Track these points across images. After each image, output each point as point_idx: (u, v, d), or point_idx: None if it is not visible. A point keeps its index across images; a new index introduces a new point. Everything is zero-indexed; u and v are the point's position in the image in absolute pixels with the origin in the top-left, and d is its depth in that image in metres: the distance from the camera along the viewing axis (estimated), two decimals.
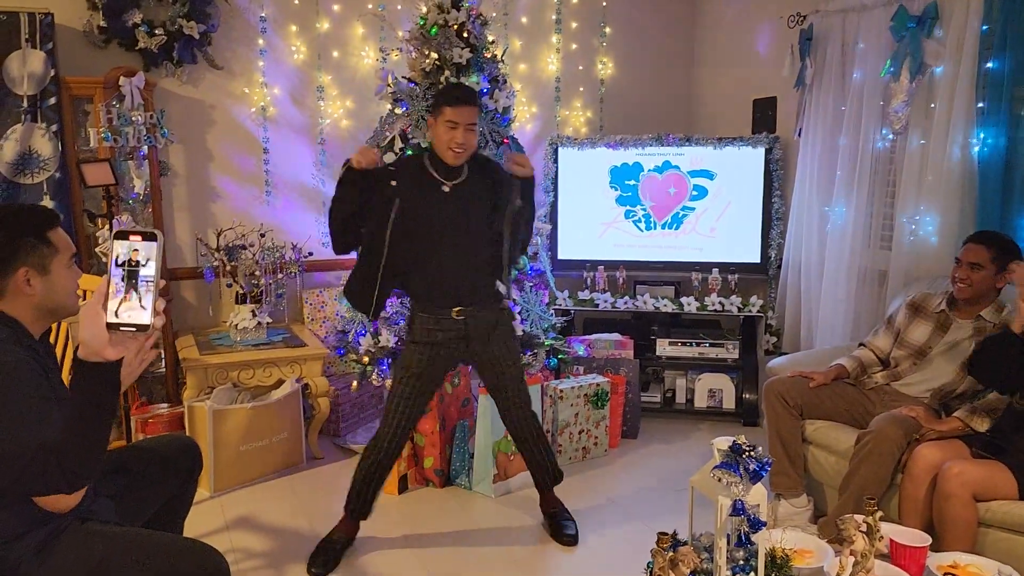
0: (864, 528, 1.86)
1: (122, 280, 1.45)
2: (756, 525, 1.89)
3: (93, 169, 3.42)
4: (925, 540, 2.05)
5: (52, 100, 3.61)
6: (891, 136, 3.80)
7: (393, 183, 2.81)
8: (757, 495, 1.91)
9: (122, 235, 1.47)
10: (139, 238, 1.46)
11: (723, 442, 1.98)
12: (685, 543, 1.94)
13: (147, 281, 1.46)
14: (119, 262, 1.45)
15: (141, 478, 2.25)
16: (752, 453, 1.92)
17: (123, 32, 3.91)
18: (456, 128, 2.78)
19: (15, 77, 3.53)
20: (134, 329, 1.47)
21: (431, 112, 2.88)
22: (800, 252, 4.38)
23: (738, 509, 1.88)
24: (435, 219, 2.84)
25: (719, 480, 1.92)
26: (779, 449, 3.29)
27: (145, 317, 1.46)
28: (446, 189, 2.85)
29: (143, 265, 1.45)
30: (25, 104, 3.56)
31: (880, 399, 3.19)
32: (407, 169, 2.90)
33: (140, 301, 1.46)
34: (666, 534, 1.77)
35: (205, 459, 3.53)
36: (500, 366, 3.03)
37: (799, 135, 4.36)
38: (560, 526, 3.21)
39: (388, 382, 3.59)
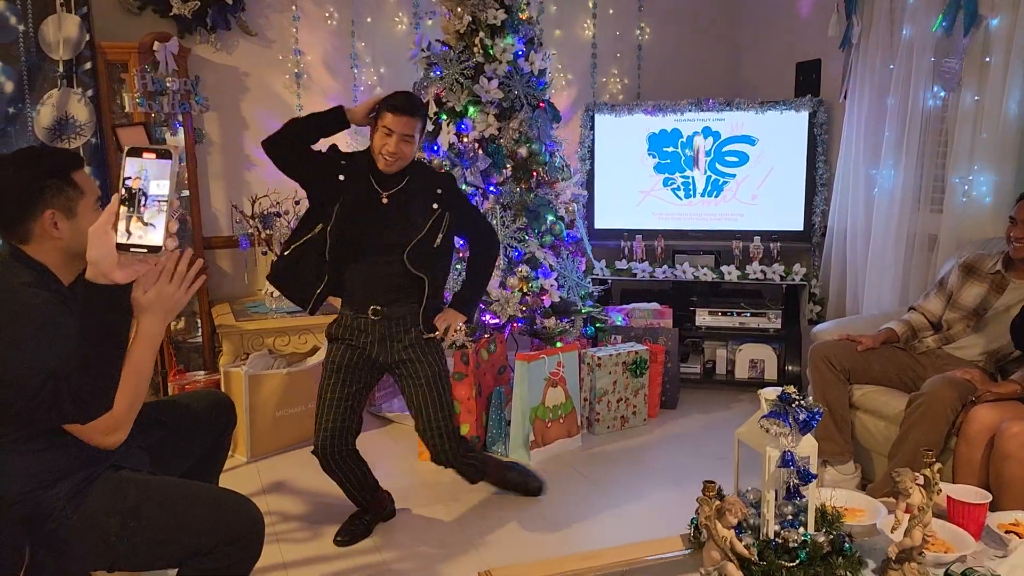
0: (921, 481, 1.77)
1: (134, 200, 1.39)
2: (806, 478, 1.81)
3: (129, 133, 3.41)
4: (985, 497, 1.95)
5: (87, 65, 3.62)
6: (943, 93, 3.65)
7: (341, 178, 2.70)
8: (807, 446, 1.83)
9: (135, 152, 1.41)
10: (153, 156, 1.40)
11: (771, 392, 1.90)
12: None
13: (159, 200, 1.40)
14: (131, 180, 1.39)
15: (176, 432, 2.23)
16: (802, 402, 1.84)
17: None
18: (390, 136, 2.62)
19: (51, 42, 3.54)
20: (145, 250, 1.41)
21: (375, 115, 2.70)
22: (846, 218, 4.24)
23: (787, 461, 1.80)
24: (369, 228, 2.69)
25: (767, 431, 1.84)
26: (825, 414, 3.18)
27: (157, 238, 1.40)
28: (384, 201, 2.71)
29: (156, 184, 1.39)
30: (61, 69, 3.57)
31: (932, 363, 3.07)
32: (357, 168, 2.73)
33: (152, 221, 1.40)
34: (712, 483, 1.70)
35: (241, 425, 3.56)
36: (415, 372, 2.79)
37: (845, 97, 4.22)
38: (517, 482, 3.21)
39: None
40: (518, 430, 3.58)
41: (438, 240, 2.74)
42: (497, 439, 3.67)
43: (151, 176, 1.39)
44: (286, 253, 2.75)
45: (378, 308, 2.72)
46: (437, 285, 2.78)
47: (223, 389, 3.64)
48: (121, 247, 1.42)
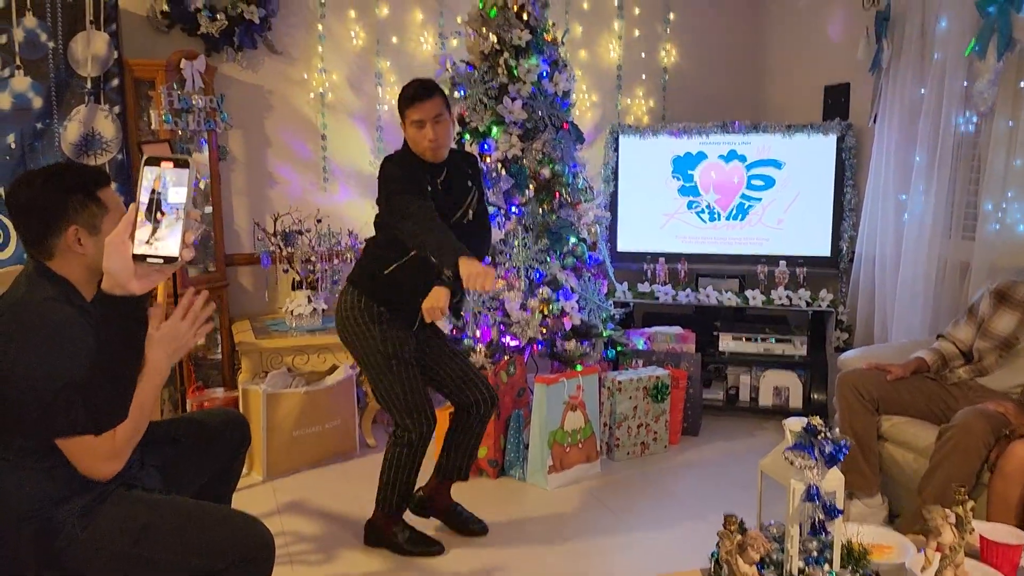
0: (953, 520, 1.69)
1: (151, 209, 1.38)
2: (832, 513, 1.75)
3: (154, 149, 3.43)
4: (1021, 538, 1.87)
5: (115, 82, 3.65)
6: (975, 118, 3.58)
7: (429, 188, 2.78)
8: (833, 480, 1.77)
9: (153, 161, 1.39)
10: (171, 165, 1.38)
11: (796, 423, 1.84)
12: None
13: (177, 210, 1.38)
14: (149, 190, 1.37)
15: (189, 449, 2.20)
16: (828, 434, 1.78)
17: (185, 17, 3.94)
18: (423, 126, 2.66)
19: (79, 59, 3.57)
20: (161, 261, 1.40)
21: (402, 122, 2.75)
22: (874, 244, 4.16)
23: (812, 495, 1.74)
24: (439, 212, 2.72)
25: (792, 463, 1.78)
26: (852, 445, 3.10)
27: (173, 249, 1.38)
28: (439, 186, 2.77)
29: (173, 193, 1.37)
30: (89, 85, 3.60)
31: (964, 394, 2.98)
32: (410, 166, 2.76)
33: (169, 232, 1.38)
34: (734, 516, 1.64)
35: (258, 443, 3.55)
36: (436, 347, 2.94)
37: (874, 121, 4.15)
38: (467, 517, 3.09)
39: None
40: (536, 454, 3.52)
41: (470, 215, 2.83)
42: (515, 463, 3.62)
43: (168, 185, 1.38)
44: (387, 272, 2.75)
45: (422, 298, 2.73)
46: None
47: (241, 407, 3.63)
48: (137, 258, 1.40)
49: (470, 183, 2.86)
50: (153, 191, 1.37)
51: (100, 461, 1.69)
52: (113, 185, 3.59)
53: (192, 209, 1.42)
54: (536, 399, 3.51)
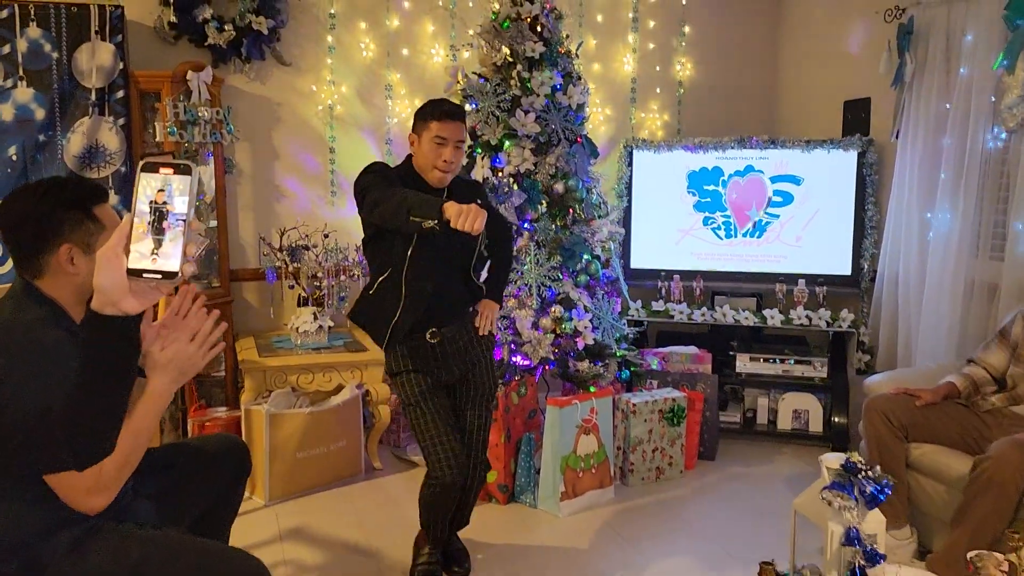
0: (1006, 567, 1.57)
1: (149, 219, 1.25)
2: (873, 558, 1.62)
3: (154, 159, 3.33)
4: None
5: (120, 94, 3.57)
6: (1004, 135, 3.46)
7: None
8: (874, 523, 1.64)
9: (151, 167, 1.26)
10: (171, 171, 1.25)
11: (834, 459, 1.72)
12: None
13: (179, 221, 1.25)
14: (146, 199, 1.25)
15: (185, 478, 2.09)
16: (869, 473, 1.66)
17: (193, 28, 3.86)
18: (444, 145, 2.49)
19: (84, 70, 3.50)
20: (160, 276, 1.26)
21: (415, 128, 2.57)
22: (897, 263, 4.04)
23: (852, 538, 1.62)
24: (427, 245, 2.51)
25: (830, 503, 1.66)
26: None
27: (173, 263, 1.25)
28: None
29: (174, 202, 1.25)
30: (93, 97, 3.52)
31: (998, 423, 2.85)
32: (399, 179, 2.52)
33: (169, 244, 1.25)
34: (770, 564, 1.52)
35: (260, 466, 3.44)
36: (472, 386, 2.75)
37: (896, 137, 4.04)
38: (452, 553, 2.91)
39: None
40: (548, 479, 3.40)
41: (484, 251, 2.71)
42: (526, 488, 3.49)
43: (168, 194, 1.25)
44: (371, 293, 2.62)
45: (435, 330, 2.60)
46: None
47: (243, 427, 3.52)
48: (133, 273, 1.27)
49: None
50: (152, 201, 1.25)
51: (85, 495, 1.57)
52: (115, 199, 3.53)
53: (194, 220, 1.29)
54: (548, 422, 3.39)
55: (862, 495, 1.64)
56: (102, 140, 3.55)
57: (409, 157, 2.65)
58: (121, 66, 3.56)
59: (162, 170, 1.26)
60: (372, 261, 2.65)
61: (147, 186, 1.25)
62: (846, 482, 1.65)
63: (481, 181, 3.70)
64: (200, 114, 3.72)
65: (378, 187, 2.39)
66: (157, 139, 3.65)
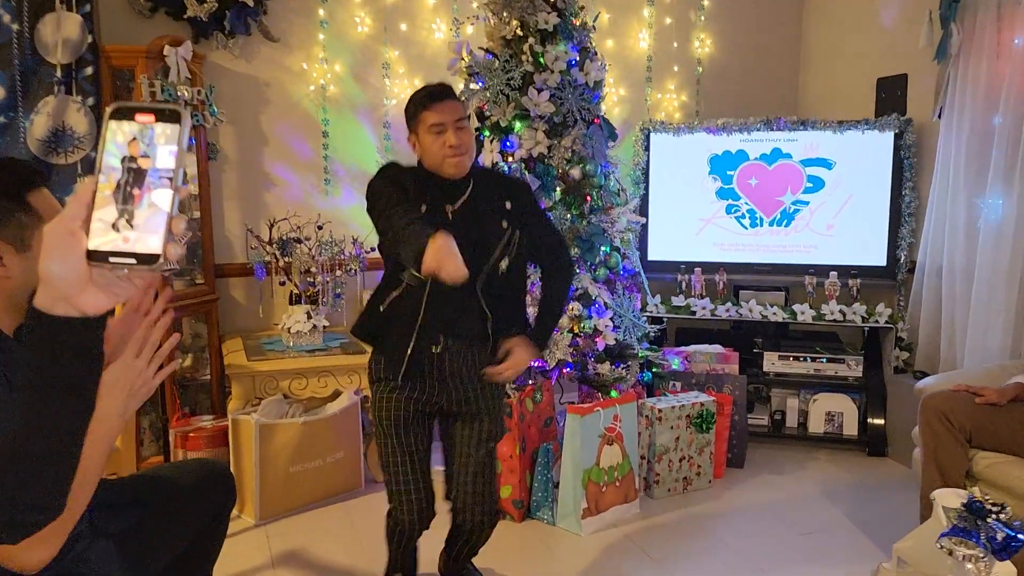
0: None
1: (121, 181, 0.85)
2: None
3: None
4: None
5: (89, 71, 3.21)
6: None
7: (424, 208, 2.13)
8: None
9: (123, 113, 0.86)
10: (150, 118, 0.86)
11: (951, 497, 1.40)
12: None
13: (162, 181, 0.86)
14: (117, 153, 0.86)
15: (158, 514, 1.77)
16: (1000, 516, 1.34)
17: None
18: (444, 129, 2.10)
19: (48, 43, 3.13)
20: (133, 261, 0.86)
21: (410, 128, 2.19)
22: (940, 253, 3.72)
23: None
24: None
25: (949, 553, 1.34)
26: (935, 477, 2.67)
27: (153, 242, 0.85)
28: (449, 215, 2.15)
29: (156, 156, 0.86)
30: (59, 74, 3.16)
31: None
32: (412, 181, 2.16)
33: (148, 218, 0.86)
34: None
35: (249, 481, 3.11)
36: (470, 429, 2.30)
37: (939, 116, 3.72)
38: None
39: None
40: (568, 496, 3.08)
41: (504, 265, 2.18)
42: (543, 504, 3.17)
43: (148, 144, 0.85)
44: (382, 309, 2.20)
45: (441, 337, 2.18)
46: (504, 325, 2.21)
47: (231, 438, 3.19)
48: (96, 256, 0.86)
49: (505, 223, 2.18)
50: (126, 157, 0.86)
51: (21, 551, 1.22)
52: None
53: (182, 186, 0.89)
54: (568, 432, 3.07)
55: (991, 542, 1.32)
56: (69, 122, 3.19)
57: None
58: (90, 39, 3.19)
59: (139, 117, 0.86)
60: (386, 267, 2.26)
61: (117, 140, 0.85)
62: (971, 527, 1.33)
63: (491, 166, 3.37)
64: (179, 94, 3.38)
65: (386, 200, 2.04)
66: None
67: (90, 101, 3.22)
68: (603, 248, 3.47)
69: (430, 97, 2.13)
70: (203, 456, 3.17)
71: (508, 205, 2.20)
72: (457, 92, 3.20)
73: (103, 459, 1.32)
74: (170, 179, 0.86)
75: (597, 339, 3.36)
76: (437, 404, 2.22)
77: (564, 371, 3.39)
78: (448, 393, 2.21)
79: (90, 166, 3.22)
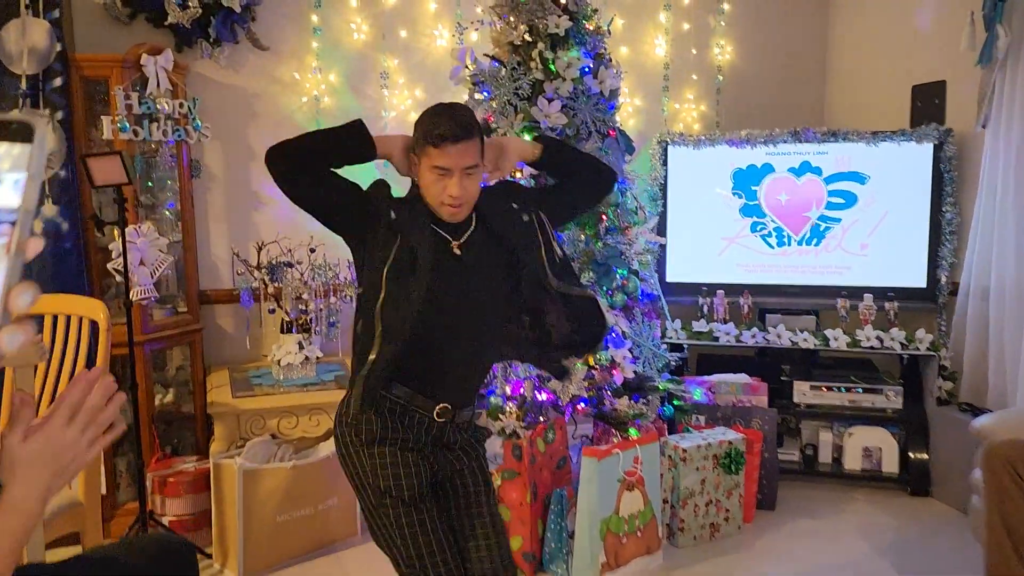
0: None
1: None
2: None
3: (100, 164, 2.72)
4: None
5: (58, 82, 2.95)
6: None
7: (393, 215, 1.80)
8: None
9: None
10: None
11: None
12: None
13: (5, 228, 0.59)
14: None
15: None
16: None
17: (151, 4, 3.25)
18: (447, 175, 1.77)
19: (12, 52, 2.87)
20: None
21: (413, 146, 1.85)
22: (988, 273, 3.42)
23: None
24: (442, 291, 1.78)
25: None
26: (1002, 539, 2.35)
27: None
28: (456, 250, 1.83)
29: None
30: (24, 86, 2.90)
31: None
32: (412, 210, 1.84)
33: None
34: None
35: (232, 532, 2.81)
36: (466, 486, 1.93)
37: (984, 125, 3.42)
38: None
39: None
40: (584, 547, 2.77)
41: (557, 249, 1.92)
42: (557, 556, 2.86)
43: None
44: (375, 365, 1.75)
45: (447, 407, 1.82)
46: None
47: (212, 483, 2.90)
48: None
49: (524, 216, 1.89)
50: None
51: None
52: (54, 209, 2.90)
53: (32, 237, 0.62)
54: (584, 478, 2.76)
55: None
56: None
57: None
58: (59, 48, 2.93)
59: None
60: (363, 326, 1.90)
61: None
62: None
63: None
64: (160, 107, 3.11)
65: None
66: (105, 136, 3.02)
67: (59, 115, 2.95)
68: (620, 272, 3.17)
69: (442, 137, 1.75)
70: (161, 532, 2.87)
71: (515, 204, 1.91)
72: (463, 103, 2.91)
73: (14, 557, 1.03)
74: (12, 223, 0.58)
75: (614, 371, 3.06)
76: (434, 473, 1.88)
77: (579, 407, 3.09)
78: (445, 463, 1.89)
79: (60, 187, 2.95)
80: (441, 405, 1.81)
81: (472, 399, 1.93)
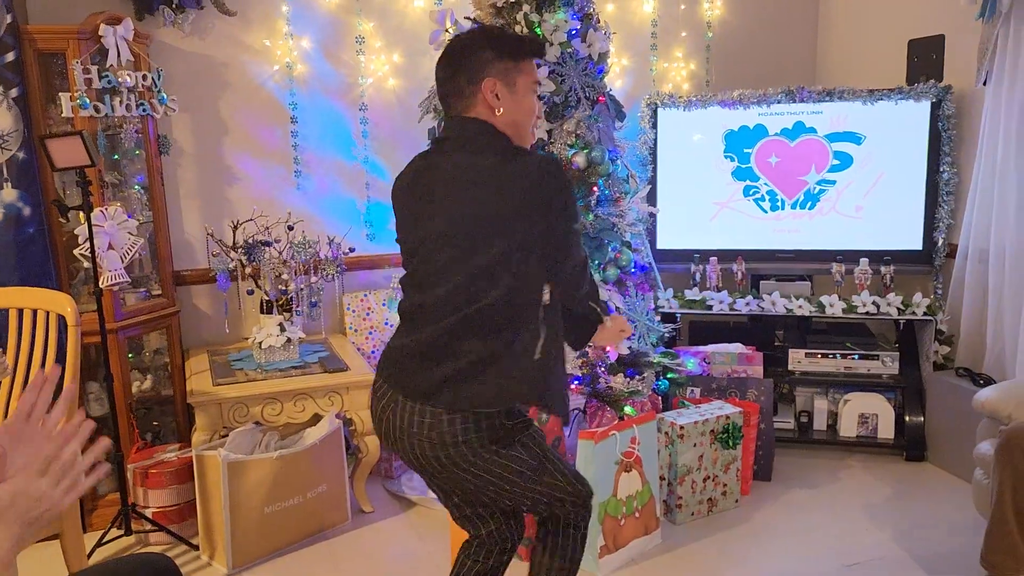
0: None
1: None
2: None
3: (61, 145, 2.55)
4: None
5: (11, 56, 2.75)
6: None
7: None
8: None
9: None
10: None
11: None
12: None
13: None
14: None
15: None
16: None
17: None
18: (536, 92, 1.81)
19: None
20: None
21: (492, 74, 1.68)
22: (986, 235, 3.35)
23: None
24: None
25: None
26: (1008, 517, 2.31)
27: None
28: None
29: None
30: None
31: None
32: None
33: None
34: None
35: (219, 526, 2.73)
36: None
37: (985, 82, 3.31)
38: None
39: None
40: None
41: None
42: None
43: None
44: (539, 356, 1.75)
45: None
46: None
47: (196, 476, 2.80)
48: None
49: None
50: None
51: None
52: (14, 194, 2.74)
53: None
54: (580, 460, 2.69)
55: None
56: None
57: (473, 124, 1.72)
58: (9, 19, 2.73)
59: None
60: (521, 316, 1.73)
61: None
62: None
63: None
64: (121, 80, 2.93)
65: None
66: (65, 114, 2.84)
67: (13, 92, 2.76)
68: (613, 245, 3.06)
69: (540, 48, 1.78)
70: (144, 552, 2.76)
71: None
72: None
73: None
74: None
75: (608, 348, 2.98)
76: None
77: (573, 386, 3.01)
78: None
79: (18, 170, 2.77)
80: None
81: None
